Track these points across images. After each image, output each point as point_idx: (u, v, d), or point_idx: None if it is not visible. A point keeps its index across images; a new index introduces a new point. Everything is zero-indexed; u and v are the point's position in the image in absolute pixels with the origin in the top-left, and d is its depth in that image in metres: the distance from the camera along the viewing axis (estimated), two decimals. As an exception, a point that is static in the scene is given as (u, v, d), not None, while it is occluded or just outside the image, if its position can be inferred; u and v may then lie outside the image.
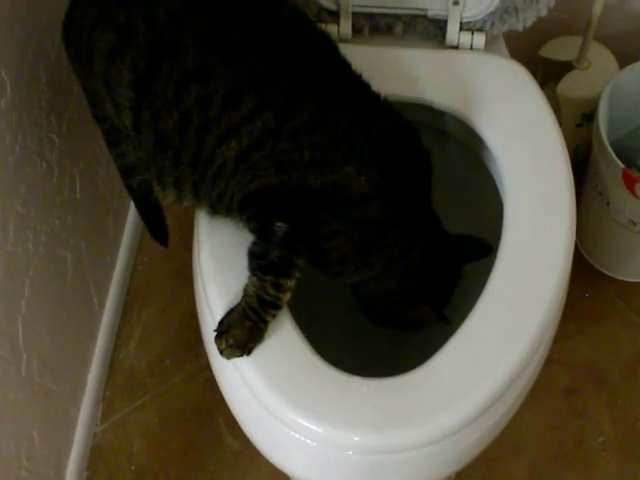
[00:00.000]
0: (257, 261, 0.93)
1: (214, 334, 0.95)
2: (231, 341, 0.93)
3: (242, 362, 0.93)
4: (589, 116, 1.46)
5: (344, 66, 0.98)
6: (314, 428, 0.89)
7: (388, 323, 1.07)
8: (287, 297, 0.93)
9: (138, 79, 0.92)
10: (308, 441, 0.90)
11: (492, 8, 1.14)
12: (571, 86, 1.47)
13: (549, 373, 1.42)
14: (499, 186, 1.10)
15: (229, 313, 0.94)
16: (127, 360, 1.49)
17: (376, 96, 0.97)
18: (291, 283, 0.93)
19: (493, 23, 1.16)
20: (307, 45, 0.97)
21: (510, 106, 1.11)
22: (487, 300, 0.96)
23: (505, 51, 1.20)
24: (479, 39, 1.17)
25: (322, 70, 0.96)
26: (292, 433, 0.91)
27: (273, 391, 0.90)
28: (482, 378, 0.92)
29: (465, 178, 1.19)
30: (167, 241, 1.22)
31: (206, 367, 1.44)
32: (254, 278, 0.93)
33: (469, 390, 0.91)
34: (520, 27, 1.16)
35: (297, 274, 0.93)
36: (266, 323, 0.93)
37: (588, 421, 1.41)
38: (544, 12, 1.14)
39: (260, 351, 0.93)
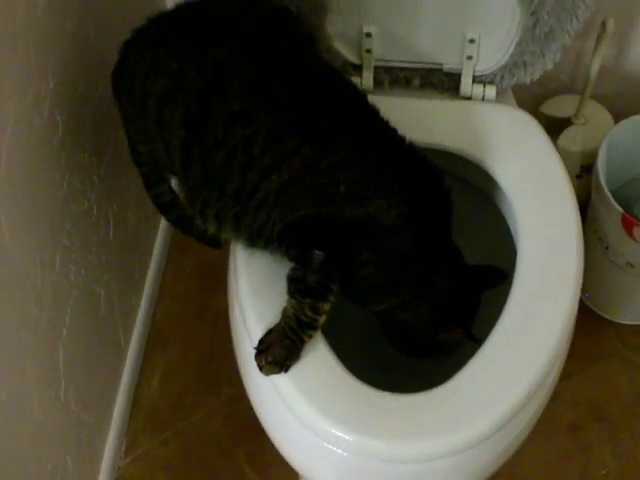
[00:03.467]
0: (296, 285, 1.01)
1: (253, 352, 1.02)
2: (270, 358, 1.00)
3: (280, 379, 1.00)
4: (587, 168, 1.56)
5: (374, 112, 1.07)
6: (346, 438, 0.96)
7: (415, 351, 1.13)
8: (323, 319, 1.01)
9: (189, 120, 1.01)
10: (339, 451, 0.98)
11: (503, 62, 1.25)
12: (570, 140, 1.58)
13: (553, 410, 1.49)
14: (511, 225, 1.19)
15: (268, 333, 1.02)
16: (150, 397, 1.55)
17: (402, 139, 1.06)
18: (327, 306, 1.00)
19: (503, 76, 1.27)
20: (340, 93, 1.07)
21: (522, 152, 1.21)
22: (504, 325, 1.05)
23: (513, 102, 1.31)
24: (490, 91, 1.28)
25: (354, 114, 1.05)
26: (325, 444, 0.98)
27: (309, 404, 0.97)
28: (502, 396, 0.99)
29: (479, 217, 1.28)
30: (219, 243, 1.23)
31: (226, 404, 1.53)
32: (293, 301, 1.01)
33: (489, 406, 0.98)
34: (528, 80, 1.27)
35: (332, 298, 1.01)
36: (303, 343, 1.01)
37: (591, 455, 1.48)
38: (550, 66, 1.24)
39: (296, 369, 1.01)
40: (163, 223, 1.70)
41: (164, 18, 1.08)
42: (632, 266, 1.46)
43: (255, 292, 1.07)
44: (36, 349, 1.13)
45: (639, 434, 1.50)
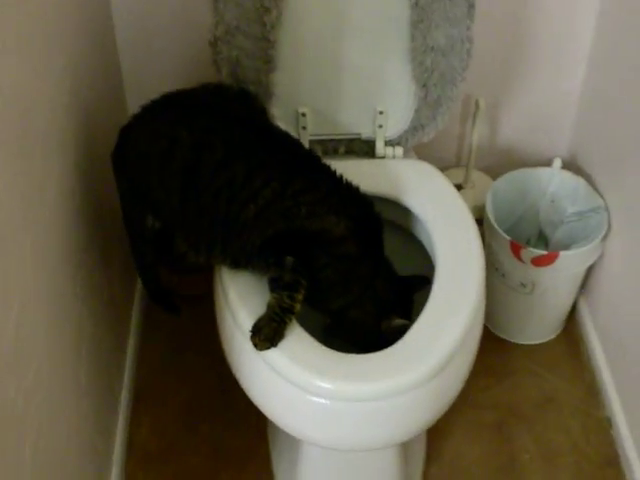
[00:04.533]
0: (276, 283, 1.34)
1: (245, 342, 1.33)
2: (262, 337, 1.30)
3: (270, 352, 1.30)
4: (480, 221, 1.96)
5: (318, 158, 1.44)
6: (326, 386, 1.26)
7: (366, 345, 1.40)
8: (298, 306, 1.32)
9: (185, 168, 1.33)
10: (320, 400, 1.27)
11: (405, 127, 1.66)
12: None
13: (479, 414, 1.85)
14: (427, 244, 1.55)
15: (258, 320, 1.33)
16: (141, 442, 1.80)
17: (340, 176, 1.42)
18: (300, 296, 1.32)
19: (407, 138, 1.67)
20: (292, 144, 1.44)
21: (429, 188, 1.60)
22: (431, 305, 1.38)
23: (415, 157, 1.71)
24: (398, 150, 1.67)
25: (304, 159, 1.42)
26: (309, 396, 1.28)
27: (296, 365, 1.27)
28: (437, 347, 1.32)
29: (401, 246, 1.63)
30: (179, 310, 1.58)
31: (207, 440, 1.78)
32: (275, 294, 1.33)
33: (427, 355, 1.30)
34: (425, 139, 1.67)
35: (303, 290, 1.33)
36: (285, 324, 1.31)
37: (515, 444, 1.79)
38: (441, 126, 1.65)
39: (282, 343, 1.31)
40: (136, 304, 2.00)
41: (155, 103, 1.42)
42: (524, 286, 1.83)
43: (241, 297, 1.39)
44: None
45: (550, 425, 1.83)
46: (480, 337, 1.46)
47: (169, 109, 1.41)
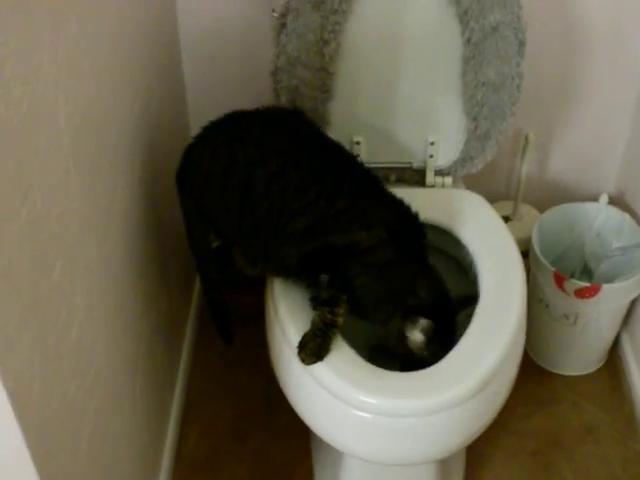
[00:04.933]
0: (316, 301, 1.41)
1: (293, 356, 1.40)
2: (309, 351, 1.37)
3: (317, 367, 1.36)
4: (526, 253, 2.01)
5: (367, 171, 1.50)
6: (371, 401, 1.32)
7: (411, 361, 1.45)
8: (341, 320, 1.38)
9: (241, 184, 1.41)
10: (364, 414, 1.33)
11: (455, 158, 1.73)
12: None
13: (518, 442, 1.88)
14: (472, 271, 1.61)
15: (304, 336, 1.40)
16: (189, 452, 1.88)
17: (386, 189, 1.48)
18: (341, 310, 1.39)
19: (456, 169, 1.74)
20: (344, 158, 1.50)
21: (478, 220, 1.66)
22: (474, 327, 1.44)
23: (463, 187, 1.77)
24: (448, 180, 1.74)
25: (353, 173, 1.48)
26: (353, 410, 1.33)
27: (341, 380, 1.33)
28: (474, 370, 1.37)
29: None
30: (231, 340, 1.66)
31: (252, 452, 1.85)
32: (317, 311, 1.40)
33: (466, 376, 1.36)
34: (474, 170, 1.74)
35: (343, 303, 1.39)
36: (330, 338, 1.38)
37: (553, 473, 1.82)
38: (490, 158, 1.72)
39: (328, 358, 1.38)
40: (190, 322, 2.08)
41: (213, 125, 1.50)
42: (567, 317, 1.88)
43: (291, 312, 1.45)
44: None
45: (589, 455, 1.86)
46: (519, 362, 1.50)
47: (227, 128, 1.49)
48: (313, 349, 1.38)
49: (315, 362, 1.37)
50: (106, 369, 1.32)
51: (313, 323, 1.40)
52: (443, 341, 1.44)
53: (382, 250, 1.43)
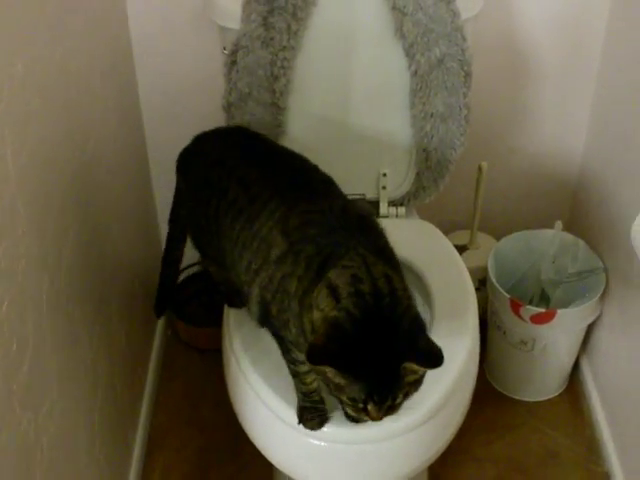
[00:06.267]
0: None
1: (247, 388, 1.40)
2: (309, 425, 1.33)
3: (268, 397, 1.38)
4: (484, 281, 2.04)
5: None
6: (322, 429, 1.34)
7: None
8: (314, 385, 1.31)
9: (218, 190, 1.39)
10: (316, 442, 1.35)
11: (407, 189, 1.76)
12: (467, 261, 2.04)
13: (480, 467, 1.89)
14: (425, 298, 1.63)
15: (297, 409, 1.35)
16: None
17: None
18: (291, 354, 1.31)
19: (409, 199, 1.77)
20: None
21: (431, 249, 1.68)
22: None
23: (417, 216, 1.81)
24: (402, 210, 1.77)
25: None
26: (305, 438, 1.35)
27: (290, 407, 1.35)
28: (429, 393, 1.38)
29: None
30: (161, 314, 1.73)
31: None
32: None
33: (420, 400, 1.36)
34: (427, 200, 1.77)
35: (289, 345, 1.30)
36: (316, 402, 1.32)
37: (515, 499, 1.85)
38: (442, 188, 1.75)
39: (280, 385, 1.39)
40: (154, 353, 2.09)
41: (212, 133, 1.50)
42: (525, 343, 1.90)
43: (245, 342, 1.47)
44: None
45: (550, 478, 1.88)
46: (472, 389, 1.52)
47: (217, 138, 1.51)
48: (312, 423, 1.34)
49: (320, 428, 1.33)
50: (60, 404, 1.33)
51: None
52: None
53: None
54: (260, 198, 1.32)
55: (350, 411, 1.18)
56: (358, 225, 1.27)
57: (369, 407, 1.14)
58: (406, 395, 1.15)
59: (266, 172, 1.37)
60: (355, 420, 1.29)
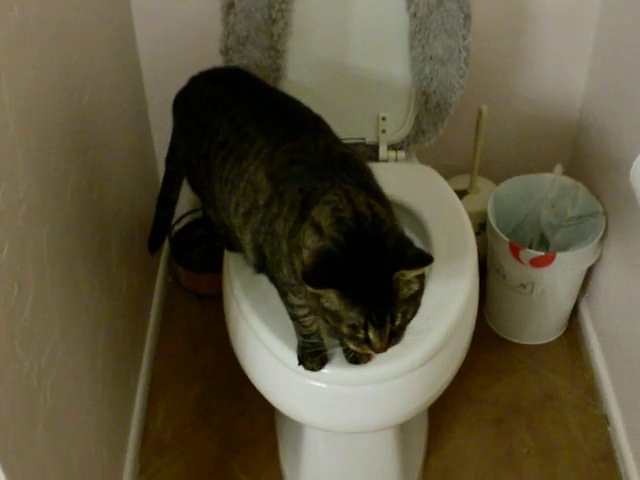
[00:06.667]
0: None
1: (247, 331, 1.41)
2: (309, 366, 1.34)
3: (269, 339, 1.39)
4: (484, 225, 2.04)
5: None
6: (323, 370, 1.34)
7: None
8: (314, 327, 1.33)
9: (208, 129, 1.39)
10: (318, 384, 1.36)
11: (407, 132, 1.75)
12: (468, 205, 2.05)
13: (479, 411, 1.92)
14: (425, 242, 1.64)
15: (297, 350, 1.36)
16: (155, 430, 1.90)
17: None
18: (289, 298, 1.31)
19: (409, 143, 1.77)
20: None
21: (430, 193, 1.68)
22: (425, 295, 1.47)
23: (417, 161, 1.80)
24: (401, 154, 1.77)
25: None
26: (307, 380, 1.36)
27: (292, 349, 1.36)
28: (429, 334, 1.39)
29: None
30: (154, 251, 1.74)
31: (218, 429, 1.88)
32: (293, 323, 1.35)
33: (420, 341, 1.37)
34: (427, 144, 1.76)
35: (283, 287, 1.31)
36: (314, 344, 1.33)
37: (514, 439, 1.86)
38: (441, 131, 1.74)
39: (282, 330, 1.40)
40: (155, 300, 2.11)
41: (207, 74, 1.50)
42: (524, 286, 1.91)
43: (245, 286, 1.47)
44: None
45: (549, 421, 1.90)
46: (472, 329, 1.53)
47: (216, 77, 1.50)
48: (309, 366, 1.35)
49: (321, 368, 1.34)
50: (62, 348, 1.34)
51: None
52: None
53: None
54: (248, 137, 1.32)
55: (352, 345, 1.15)
56: (341, 162, 1.26)
57: (370, 334, 1.12)
58: (405, 315, 1.13)
59: (256, 112, 1.36)
60: (356, 360, 1.30)
